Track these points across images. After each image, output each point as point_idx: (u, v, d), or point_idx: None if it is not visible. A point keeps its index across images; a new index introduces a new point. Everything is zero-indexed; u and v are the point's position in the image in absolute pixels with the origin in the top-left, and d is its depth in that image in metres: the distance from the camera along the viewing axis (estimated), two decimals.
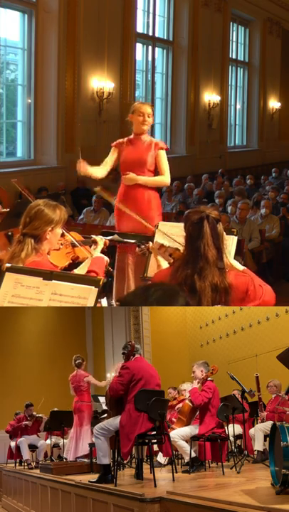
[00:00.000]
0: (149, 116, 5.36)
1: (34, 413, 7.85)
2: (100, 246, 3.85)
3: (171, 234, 4.41)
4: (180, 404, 6.00)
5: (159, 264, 3.73)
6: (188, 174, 13.91)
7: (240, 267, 3.34)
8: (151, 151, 5.34)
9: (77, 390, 6.68)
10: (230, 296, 3.15)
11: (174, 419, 5.98)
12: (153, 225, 4.83)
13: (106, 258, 3.76)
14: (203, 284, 3.10)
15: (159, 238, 4.04)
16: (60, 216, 3.48)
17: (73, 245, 4.05)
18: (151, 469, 4.32)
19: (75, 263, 4.00)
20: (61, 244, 3.78)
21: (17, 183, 4.58)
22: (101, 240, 3.89)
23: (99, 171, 5.53)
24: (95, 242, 3.87)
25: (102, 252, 3.87)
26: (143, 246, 4.02)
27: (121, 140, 5.52)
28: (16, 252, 3.39)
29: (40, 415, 7.82)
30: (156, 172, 5.41)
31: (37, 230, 3.41)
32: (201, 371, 5.55)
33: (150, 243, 3.84)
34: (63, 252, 3.98)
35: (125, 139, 5.52)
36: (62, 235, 3.68)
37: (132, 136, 5.47)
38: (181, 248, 3.52)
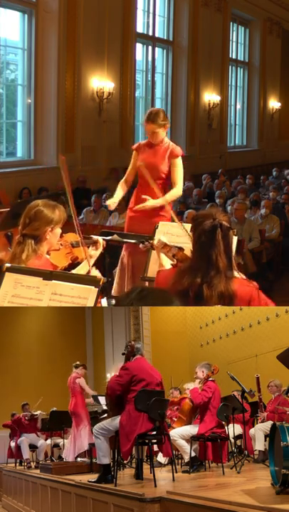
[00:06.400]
0: (153, 133, 5.29)
1: (32, 411, 7.86)
2: (100, 247, 3.88)
3: (171, 234, 4.41)
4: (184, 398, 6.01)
5: (161, 263, 3.72)
6: (188, 174, 13.90)
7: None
8: (165, 160, 5.30)
9: (72, 392, 6.68)
10: (233, 303, 3.15)
11: (174, 419, 5.98)
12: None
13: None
14: (211, 293, 3.10)
15: (161, 237, 4.01)
16: (60, 216, 3.50)
17: (73, 246, 4.04)
18: (151, 469, 4.32)
19: (74, 264, 4.00)
20: (61, 244, 3.78)
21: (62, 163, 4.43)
22: (100, 241, 3.90)
23: (121, 190, 5.49)
24: (95, 243, 3.88)
25: (101, 253, 3.89)
26: (147, 243, 4.01)
27: (141, 142, 5.53)
28: (17, 254, 3.39)
29: (36, 413, 7.81)
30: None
31: (37, 230, 3.42)
32: (202, 372, 5.56)
33: (154, 240, 3.82)
34: (63, 252, 3.97)
35: (145, 141, 5.52)
36: (61, 235, 3.68)
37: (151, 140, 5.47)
38: (185, 248, 3.51)
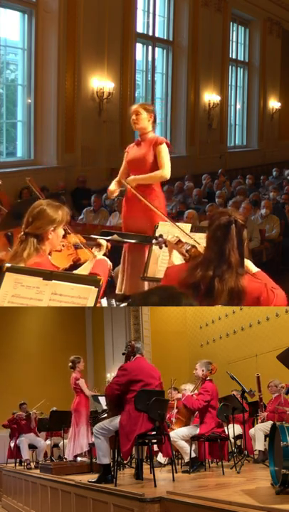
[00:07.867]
0: (137, 114, 5.32)
1: (29, 410, 7.87)
2: (104, 249, 3.87)
3: (172, 234, 4.39)
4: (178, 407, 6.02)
5: (171, 260, 3.72)
6: (188, 174, 13.91)
7: (255, 269, 3.36)
8: (151, 151, 5.34)
9: (75, 391, 6.71)
10: (242, 300, 3.18)
11: (173, 420, 5.98)
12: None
13: (109, 262, 3.77)
14: (222, 288, 3.13)
15: (176, 233, 3.99)
16: (63, 217, 3.49)
17: (76, 247, 4.04)
18: (151, 469, 4.32)
19: (76, 265, 4.00)
20: (63, 245, 3.77)
21: (31, 182, 4.55)
22: (104, 243, 3.90)
23: (114, 185, 5.55)
24: (99, 245, 3.88)
25: (104, 255, 3.88)
26: (160, 239, 3.99)
27: (131, 144, 5.56)
28: (18, 252, 3.40)
29: (31, 412, 7.81)
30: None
31: (39, 229, 3.42)
32: (202, 370, 5.56)
33: (168, 236, 3.80)
34: (65, 253, 3.96)
35: (134, 141, 5.56)
36: (65, 236, 3.67)
37: (139, 138, 5.48)
38: (198, 246, 3.52)
